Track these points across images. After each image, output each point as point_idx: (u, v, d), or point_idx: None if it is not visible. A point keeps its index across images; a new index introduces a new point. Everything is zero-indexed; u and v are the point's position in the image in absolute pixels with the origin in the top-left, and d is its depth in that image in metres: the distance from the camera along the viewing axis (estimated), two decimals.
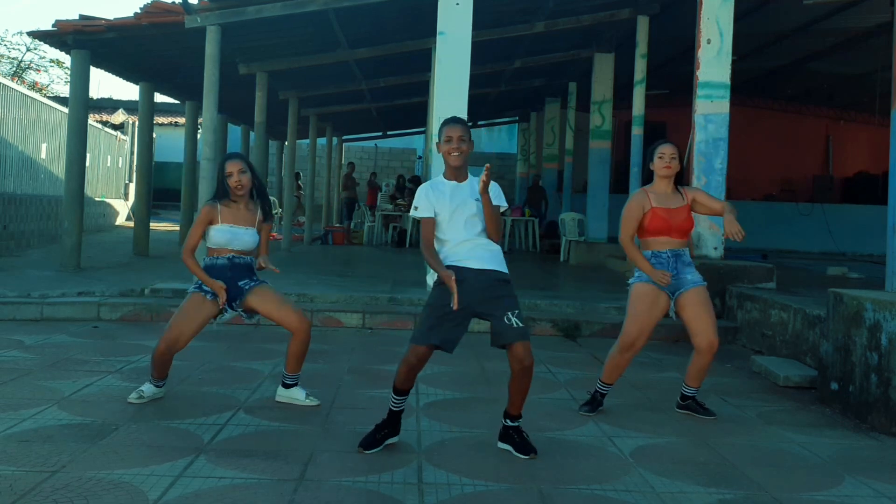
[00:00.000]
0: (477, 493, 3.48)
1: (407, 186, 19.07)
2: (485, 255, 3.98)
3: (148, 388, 4.73)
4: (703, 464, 4.02)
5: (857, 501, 3.59)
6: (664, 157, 4.83)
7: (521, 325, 3.89)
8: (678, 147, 4.89)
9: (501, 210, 4.03)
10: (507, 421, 4.05)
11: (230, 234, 4.73)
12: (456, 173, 4.04)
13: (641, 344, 4.80)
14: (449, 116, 4.26)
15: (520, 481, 3.64)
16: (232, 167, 4.74)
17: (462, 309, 3.81)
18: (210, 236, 4.76)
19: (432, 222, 3.99)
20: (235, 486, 3.42)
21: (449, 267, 3.90)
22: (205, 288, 4.66)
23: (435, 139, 4.28)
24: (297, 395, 4.80)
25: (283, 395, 4.83)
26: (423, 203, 4.00)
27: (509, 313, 3.88)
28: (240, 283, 4.70)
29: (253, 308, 4.73)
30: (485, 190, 3.88)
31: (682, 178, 5.04)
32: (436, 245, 4.03)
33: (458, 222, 3.97)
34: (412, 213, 4.04)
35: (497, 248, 4.05)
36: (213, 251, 4.77)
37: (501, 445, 4.07)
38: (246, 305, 4.72)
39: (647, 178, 4.96)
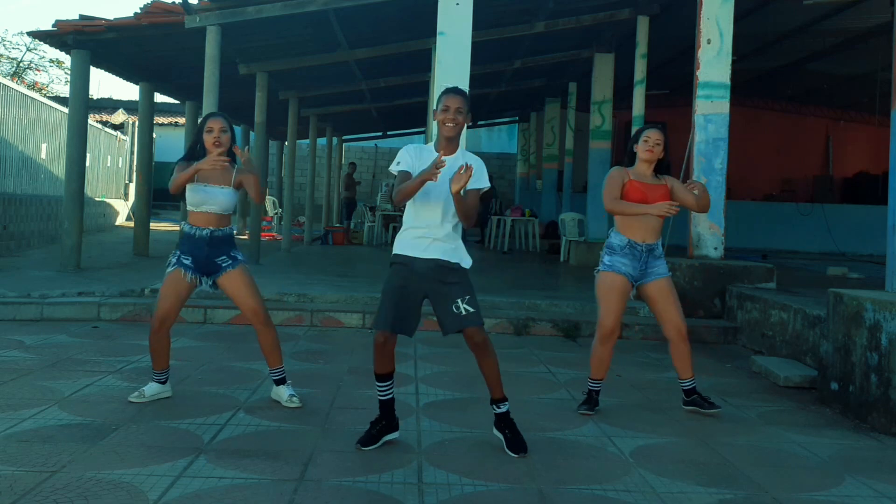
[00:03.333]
0: (477, 493, 3.49)
1: None
2: (430, 247, 3.95)
3: (149, 388, 4.73)
4: (704, 464, 4.03)
5: (857, 501, 3.60)
6: (648, 142, 4.82)
7: (470, 309, 3.94)
8: (665, 135, 4.86)
9: (482, 191, 3.99)
10: (494, 407, 4.11)
11: (203, 194, 4.63)
12: (447, 144, 4.00)
13: (618, 332, 4.86)
14: (450, 86, 4.22)
15: (520, 481, 3.64)
16: (214, 124, 4.67)
17: (412, 293, 3.94)
18: (186, 196, 4.67)
19: (409, 176, 3.93)
20: (235, 487, 3.42)
21: (395, 256, 3.97)
22: (183, 261, 4.64)
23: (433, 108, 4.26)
24: (282, 395, 4.78)
25: (273, 392, 4.85)
26: (406, 160, 3.97)
27: (458, 300, 3.93)
28: (217, 261, 4.69)
29: (223, 288, 4.76)
30: (458, 189, 3.78)
31: (665, 173, 4.99)
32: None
33: (424, 205, 3.94)
34: (392, 167, 4.00)
35: (453, 245, 3.99)
36: (193, 217, 4.69)
37: (496, 433, 4.12)
38: (218, 282, 4.74)
39: (630, 161, 4.93)
